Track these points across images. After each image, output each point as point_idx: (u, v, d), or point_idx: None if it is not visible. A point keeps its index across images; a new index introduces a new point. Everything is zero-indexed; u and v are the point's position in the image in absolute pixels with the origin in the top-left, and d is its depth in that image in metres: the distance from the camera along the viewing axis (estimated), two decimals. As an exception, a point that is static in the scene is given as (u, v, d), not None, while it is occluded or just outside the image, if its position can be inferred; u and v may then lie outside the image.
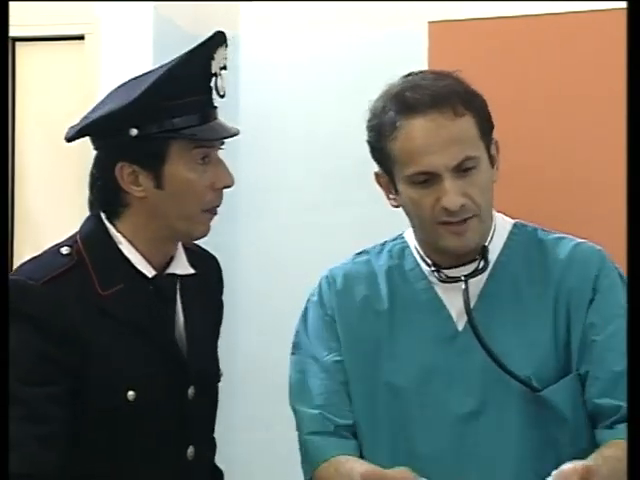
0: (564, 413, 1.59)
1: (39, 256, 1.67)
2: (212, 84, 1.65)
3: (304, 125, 3.65)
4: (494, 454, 1.59)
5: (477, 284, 1.65)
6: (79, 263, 1.63)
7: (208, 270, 1.83)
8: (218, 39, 1.66)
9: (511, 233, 1.70)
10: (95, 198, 1.70)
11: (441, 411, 1.62)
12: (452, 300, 1.65)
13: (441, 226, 1.59)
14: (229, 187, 1.67)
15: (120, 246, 1.66)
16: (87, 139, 1.69)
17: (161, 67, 1.65)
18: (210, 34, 1.66)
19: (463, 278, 1.62)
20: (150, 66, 3.42)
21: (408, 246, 1.73)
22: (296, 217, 3.64)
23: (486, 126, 1.62)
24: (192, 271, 1.73)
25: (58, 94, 3.56)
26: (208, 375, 1.76)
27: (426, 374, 1.64)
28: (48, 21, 3.49)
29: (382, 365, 1.67)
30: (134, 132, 1.60)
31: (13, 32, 3.32)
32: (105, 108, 1.64)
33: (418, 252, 1.71)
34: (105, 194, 1.67)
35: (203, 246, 1.88)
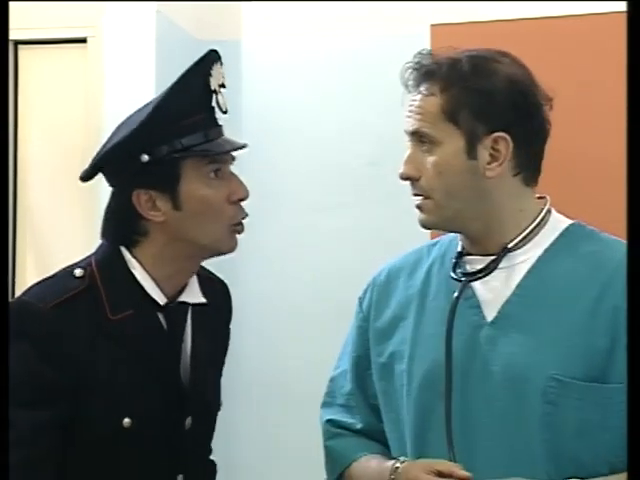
0: (585, 420, 1.52)
1: (51, 277, 1.67)
2: (213, 102, 1.66)
3: (307, 128, 3.65)
4: (507, 450, 1.55)
5: (514, 277, 1.61)
6: (91, 286, 1.63)
7: (218, 297, 1.83)
8: (212, 56, 1.67)
9: (565, 230, 1.66)
10: (112, 230, 1.69)
11: (458, 401, 1.57)
12: (483, 290, 1.63)
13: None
14: (244, 199, 1.68)
15: (134, 271, 1.66)
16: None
17: (162, 93, 1.66)
18: (204, 53, 1.67)
19: (463, 279, 1.62)
20: (152, 69, 3.47)
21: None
22: (301, 220, 3.64)
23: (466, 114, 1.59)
24: (203, 300, 1.73)
25: (61, 97, 3.56)
26: (208, 405, 1.75)
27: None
28: (50, 24, 3.49)
29: (405, 351, 1.66)
30: (145, 158, 1.61)
31: (16, 35, 3.33)
32: (114, 140, 1.65)
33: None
34: (124, 225, 1.67)
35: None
